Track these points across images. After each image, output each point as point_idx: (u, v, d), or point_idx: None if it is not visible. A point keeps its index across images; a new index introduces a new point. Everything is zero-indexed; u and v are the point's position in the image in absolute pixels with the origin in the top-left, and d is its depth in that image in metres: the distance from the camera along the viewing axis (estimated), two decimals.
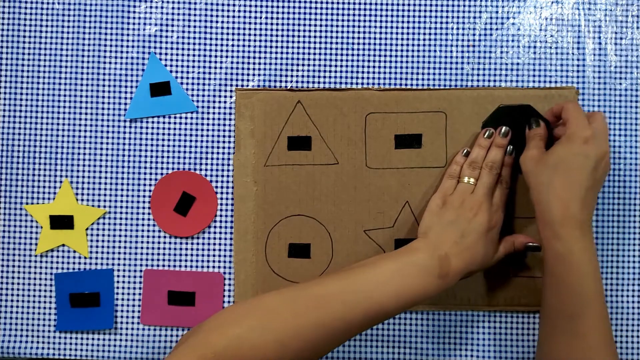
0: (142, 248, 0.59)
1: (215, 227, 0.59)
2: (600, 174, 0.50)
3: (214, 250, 0.59)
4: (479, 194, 0.53)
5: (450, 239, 0.50)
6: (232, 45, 0.59)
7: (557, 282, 0.49)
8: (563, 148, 0.50)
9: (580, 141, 0.49)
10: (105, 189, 0.59)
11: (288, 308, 0.45)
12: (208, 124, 0.59)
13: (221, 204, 0.59)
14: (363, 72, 0.59)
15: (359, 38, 0.59)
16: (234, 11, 0.59)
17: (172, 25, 0.59)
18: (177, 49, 0.59)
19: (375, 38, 0.59)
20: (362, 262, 0.50)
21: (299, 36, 0.59)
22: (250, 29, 0.59)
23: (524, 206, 0.58)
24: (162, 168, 0.59)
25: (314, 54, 0.59)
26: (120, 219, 0.59)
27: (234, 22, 0.59)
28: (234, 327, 0.43)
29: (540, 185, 0.51)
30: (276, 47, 0.59)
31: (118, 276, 0.59)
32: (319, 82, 0.59)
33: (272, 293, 0.47)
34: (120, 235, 0.59)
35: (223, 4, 0.59)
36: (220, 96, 0.59)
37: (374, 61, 0.59)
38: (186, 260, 0.59)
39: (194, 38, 0.59)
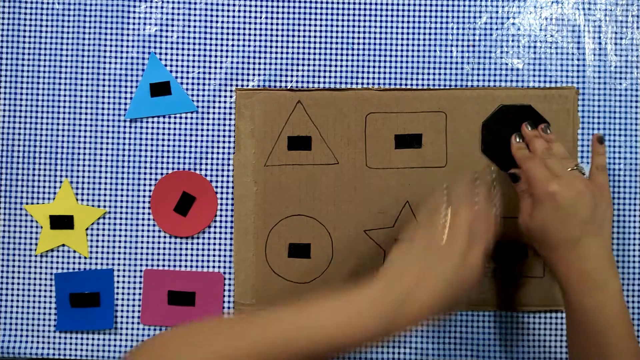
0: (142, 248, 0.59)
1: (215, 227, 0.59)
2: (599, 212, 0.48)
3: (214, 250, 0.59)
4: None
5: (413, 273, 0.43)
6: (232, 45, 0.59)
7: (587, 336, 0.47)
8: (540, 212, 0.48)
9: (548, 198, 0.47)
10: (105, 189, 0.59)
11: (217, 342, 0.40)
12: (208, 124, 0.59)
13: (221, 204, 0.59)
14: (363, 72, 0.59)
15: (359, 38, 0.59)
16: (234, 11, 0.59)
17: (172, 25, 0.59)
18: (177, 49, 0.59)
19: (375, 38, 0.59)
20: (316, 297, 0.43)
21: (299, 36, 0.59)
22: (250, 29, 0.59)
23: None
24: (162, 168, 0.59)
25: (314, 54, 0.59)
26: (120, 219, 0.59)
27: (234, 22, 0.59)
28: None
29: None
30: (276, 47, 0.59)
31: (118, 276, 0.59)
32: (319, 82, 0.59)
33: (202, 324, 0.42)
34: (120, 235, 0.59)
35: (223, 4, 0.59)
36: (220, 96, 0.59)
37: (374, 61, 0.59)
38: (186, 260, 0.59)
39: (194, 38, 0.59)
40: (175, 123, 0.59)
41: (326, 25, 0.59)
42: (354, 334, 0.40)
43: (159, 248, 0.59)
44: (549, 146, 0.53)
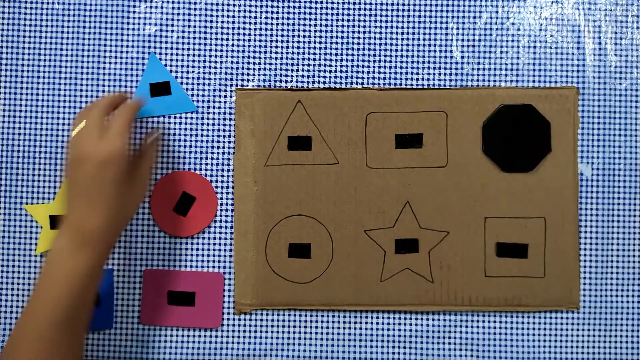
0: (142, 248, 0.59)
1: (215, 227, 0.59)
2: None
3: (214, 250, 0.59)
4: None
5: (75, 204, 0.49)
6: (232, 45, 0.59)
7: None
8: None
9: None
10: None
11: None
12: (208, 124, 0.59)
13: (221, 204, 0.59)
14: (363, 72, 0.59)
15: (359, 38, 0.59)
16: (234, 11, 0.59)
17: (172, 25, 0.59)
18: (177, 49, 0.59)
19: (375, 38, 0.59)
20: None
21: (299, 36, 0.59)
22: (250, 29, 0.59)
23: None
24: (162, 168, 0.59)
25: (314, 54, 0.59)
26: None
27: (234, 22, 0.59)
28: None
29: None
30: (276, 47, 0.59)
31: (118, 276, 0.59)
32: (319, 82, 0.59)
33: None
34: (120, 235, 0.59)
35: (223, 4, 0.59)
36: (220, 96, 0.59)
37: (374, 61, 0.59)
38: (186, 260, 0.59)
39: (194, 38, 0.59)
40: (175, 123, 0.59)
41: (326, 25, 0.59)
42: (71, 273, 0.48)
43: (159, 248, 0.59)
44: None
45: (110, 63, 0.59)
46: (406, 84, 0.59)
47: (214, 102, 0.59)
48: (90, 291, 0.49)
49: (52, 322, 0.46)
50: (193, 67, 0.59)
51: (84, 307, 0.49)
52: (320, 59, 0.59)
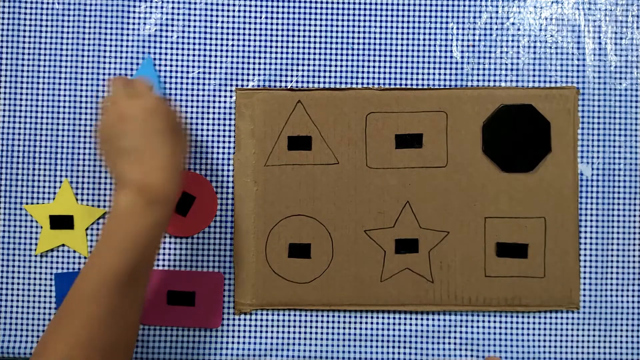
0: None
1: (215, 227, 0.59)
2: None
3: (214, 250, 0.59)
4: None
5: (128, 161, 0.48)
6: (232, 45, 0.59)
7: None
8: None
9: None
10: (105, 189, 0.59)
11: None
12: (208, 124, 0.59)
13: (221, 204, 0.59)
14: (363, 72, 0.59)
15: (359, 38, 0.59)
16: (234, 11, 0.59)
17: (172, 25, 0.59)
18: (177, 49, 0.59)
19: (375, 38, 0.59)
20: None
21: (299, 36, 0.59)
22: (250, 29, 0.59)
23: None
24: None
25: (314, 54, 0.59)
26: None
27: (234, 22, 0.59)
28: None
29: None
30: (276, 47, 0.59)
31: None
32: (319, 82, 0.59)
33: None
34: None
35: (223, 4, 0.59)
36: (220, 96, 0.59)
37: (374, 61, 0.59)
38: (186, 260, 0.59)
39: (194, 38, 0.59)
40: None
41: (326, 25, 0.59)
42: (139, 230, 0.46)
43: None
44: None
45: (110, 63, 0.59)
46: (406, 84, 0.59)
47: (214, 102, 0.59)
48: (154, 253, 0.48)
49: (114, 283, 0.44)
50: (193, 67, 0.59)
51: (147, 270, 0.48)
52: (320, 59, 0.59)
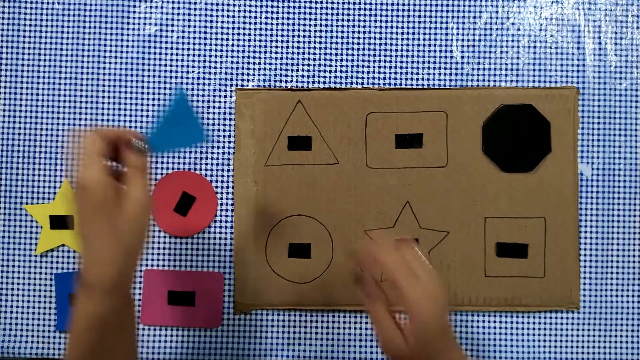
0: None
1: (215, 227, 0.59)
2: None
3: (214, 250, 0.59)
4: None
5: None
6: (232, 45, 0.59)
7: None
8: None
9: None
10: None
11: None
12: (208, 124, 0.59)
13: (221, 204, 0.59)
14: (363, 72, 0.59)
15: (359, 38, 0.59)
16: (234, 11, 0.59)
17: (172, 25, 0.59)
18: (177, 49, 0.59)
19: (375, 38, 0.59)
20: None
21: (299, 36, 0.59)
22: (250, 29, 0.59)
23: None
24: (162, 168, 0.59)
25: (314, 54, 0.59)
26: None
27: (234, 22, 0.59)
28: None
29: None
30: (276, 47, 0.59)
31: None
32: (319, 82, 0.59)
33: None
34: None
35: (223, 4, 0.59)
36: (220, 96, 0.59)
37: (374, 61, 0.59)
38: (186, 260, 0.59)
39: (194, 38, 0.59)
40: None
41: (326, 25, 0.59)
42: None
43: (159, 248, 0.59)
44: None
45: (110, 63, 0.59)
46: (406, 84, 0.59)
47: (214, 102, 0.59)
48: (112, 338, 0.43)
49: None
50: (193, 67, 0.59)
51: (105, 353, 0.44)
52: (320, 59, 0.59)
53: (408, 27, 0.59)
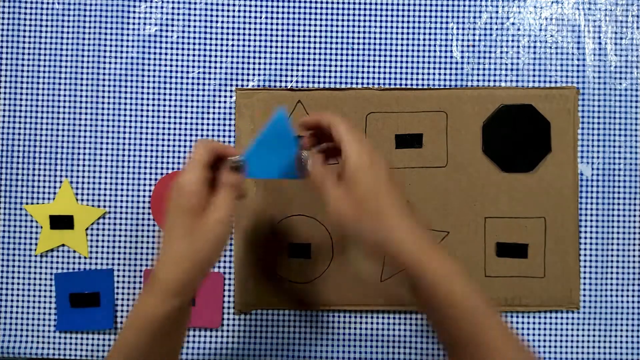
0: (142, 248, 0.59)
1: None
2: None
3: None
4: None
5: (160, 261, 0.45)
6: (232, 45, 0.59)
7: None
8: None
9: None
10: (105, 189, 0.59)
11: None
12: (208, 124, 0.59)
13: None
14: (363, 72, 0.59)
15: (359, 38, 0.59)
16: (234, 11, 0.59)
17: (172, 25, 0.59)
18: (177, 49, 0.59)
19: (375, 38, 0.59)
20: None
21: (299, 36, 0.59)
22: (250, 29, 0.59)
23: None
24: (162, 168, 0.59)
25: (314, 54, 0.59)
26: (120, 219, 0.59)
27: (234, 22, 0.59)
28: None
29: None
30: (276, 47, 0.59)
31: (118, 276, 0.59)
32: (319, 82, 0.59)
33: None
34: (120, 235, 0.59)
35: (223, 4, 0.59)
36: (220, 96, 0.59)
37: (374, 61, 0.59)
38: None
39: (194, 38, 0.59)
40: (175, 123, 0.59)
41: (326, 25, 0.59)
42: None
43: (159, 248, 0.59)
44: None
45: (110, 63, 0.59)
46: (406, 84, 0.59)
47: (214, 102, 0.59)
48: (162, 340, 0.45)
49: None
50: (193, 67, 0.59)
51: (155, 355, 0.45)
52: (320, 59, 0.59)
53: (408, 27, 0.59)
